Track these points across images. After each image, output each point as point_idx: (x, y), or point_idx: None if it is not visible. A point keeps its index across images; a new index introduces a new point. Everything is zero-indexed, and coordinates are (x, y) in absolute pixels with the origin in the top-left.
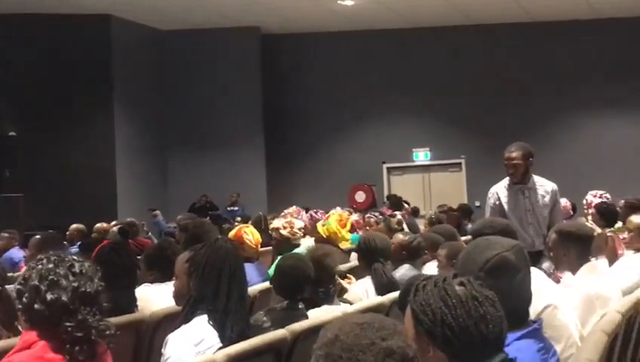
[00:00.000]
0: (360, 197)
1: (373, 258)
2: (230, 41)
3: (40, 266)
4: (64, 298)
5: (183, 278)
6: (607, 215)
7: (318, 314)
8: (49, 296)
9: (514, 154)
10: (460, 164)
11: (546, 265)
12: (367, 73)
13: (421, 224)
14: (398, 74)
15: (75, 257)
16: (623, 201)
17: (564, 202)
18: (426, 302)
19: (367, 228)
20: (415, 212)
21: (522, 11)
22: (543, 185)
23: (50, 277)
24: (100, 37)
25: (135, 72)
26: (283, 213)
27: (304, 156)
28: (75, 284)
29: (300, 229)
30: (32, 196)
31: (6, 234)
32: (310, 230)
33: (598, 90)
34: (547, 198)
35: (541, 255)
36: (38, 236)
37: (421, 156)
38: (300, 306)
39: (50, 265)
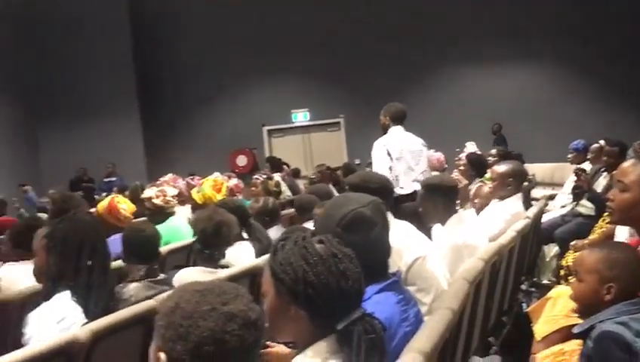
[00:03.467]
0: (241, 161)
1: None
2: (96, 5)
3: None
4: None
5: (42, 254)
6: (477, 165)
7: (187, 275)
8: None
9: None
10: (339, 123)
11: None
12: (244, 35)
13: (303, 185)
14: (275, 34)
15: None
16: (494, 151)
17: (437, 155)
18: (287, 260)
19: (254, 188)
20: (296, 173)
21: None
22: None
23: None
24: None
25: None
26: (159, 181)
27: (182, 122)
28: None
29: (173, 197)
30: None
31: None
32: (187, 197)
33: (476, 45)
34: None
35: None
36: None
37: (300, 117)
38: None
39: None
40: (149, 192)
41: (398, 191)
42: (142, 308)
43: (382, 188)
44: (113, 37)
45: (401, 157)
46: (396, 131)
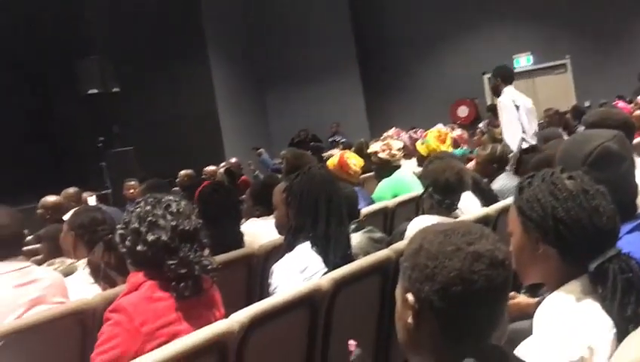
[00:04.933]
0: (462, 112)
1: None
2: None
3: (139, 209)
4: (164, 237)
5: (282, 208)
6: None
7: (423, 223)
8: (150, 237)
9: None
10: (565, 64)
11: None
12: None
13: None
14: None
15: (171, 197)
16: None
17: None
18: (534, 197)
19: (478, 138)
20: None
21: None
22: None
23: (149, 218)
24: None
25: (224, 12)
26: (382, 136)
27: (401, 77)
28: (174, 223)
29: (398, 150)
30: (141, 148)
31: (132, 182)
32: (411, 150)
33: None
34: None
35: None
36: (143, 184)
37: (523, 62)
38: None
39: (148, 207)
40: (374, 147)
41: (525, 145)
42: (378, 257)
43: (624, 124)
44: (332, 2)
45: (523, 112)
46: (511, 90)
